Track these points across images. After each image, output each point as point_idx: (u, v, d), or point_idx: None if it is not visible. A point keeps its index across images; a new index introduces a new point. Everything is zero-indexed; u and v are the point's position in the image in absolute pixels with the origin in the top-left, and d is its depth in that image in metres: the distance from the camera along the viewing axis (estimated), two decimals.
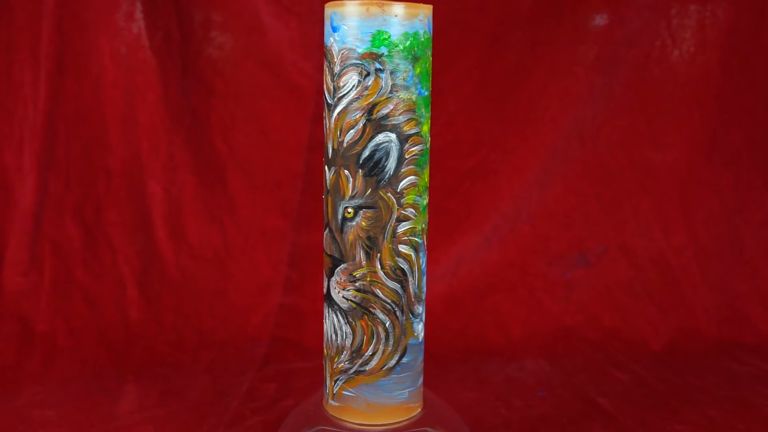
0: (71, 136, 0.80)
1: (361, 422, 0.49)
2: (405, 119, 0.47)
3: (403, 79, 0.46)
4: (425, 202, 0.49)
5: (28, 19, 0.78)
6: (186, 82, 0.81)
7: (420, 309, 0.50)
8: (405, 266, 0.49)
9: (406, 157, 0.47)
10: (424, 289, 0.51)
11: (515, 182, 0.84)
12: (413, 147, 0.47)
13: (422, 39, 0.47)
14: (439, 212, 0.81)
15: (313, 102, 0.80)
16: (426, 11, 0.47)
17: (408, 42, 0.46)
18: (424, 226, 0.49)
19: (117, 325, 0.77)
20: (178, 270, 0.80)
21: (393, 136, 0.47)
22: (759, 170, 0.85)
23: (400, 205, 0.48)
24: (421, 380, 0.51)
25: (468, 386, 0.69)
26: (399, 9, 0.45)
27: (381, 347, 0.49)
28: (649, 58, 0.83)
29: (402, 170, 0.47)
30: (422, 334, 0.51)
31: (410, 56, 0.46)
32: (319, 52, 0.80)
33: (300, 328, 0.79)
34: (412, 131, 0.47)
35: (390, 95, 0.47)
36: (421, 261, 0.50)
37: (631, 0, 0.81)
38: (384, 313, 0.49)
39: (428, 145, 0.49)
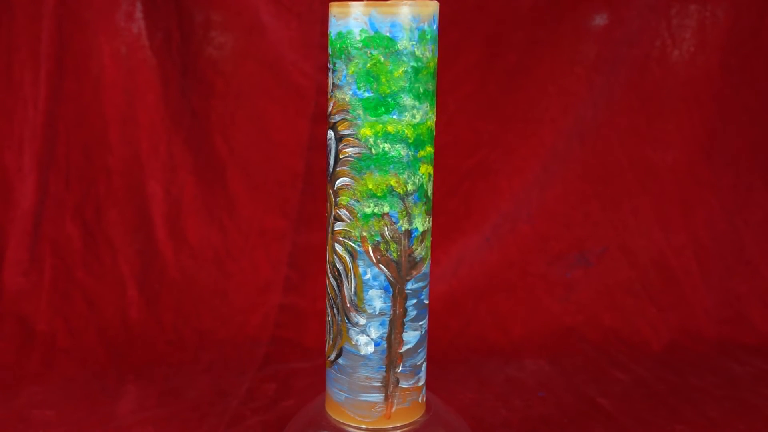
0: (71, 136, 0.80)
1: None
2: (339, 119, 0.47)
3: (338, 78, 0.47)
4: (371, 210, 0.47)
5: (28, 19, 0.78)
6: (186, 82, 0.81)
7: (361, 320, 0.48)
8: (340, 267, 0.48)
9: (341, 157, 0.47)
10: (379, 307, 0.48)
11: (515, 182, 0.84)
12: (347, 148, 0.47)
13: (358, 38, 0.45)
14: (439, 212, 0.81)
15: (313, 102, 0.80)
16: (364, 9, 0.45)
17: (341, 41, 0.46)
18: (367, 234, 0.47)
19: (117, 325, 0.77)
20: (178, 270, 0.80)
21: (332, 133, 0.48)
22: (759, 170, 0.85)
23: (336, 204, 0.48)
24: (370, 398, 0.49)
25: (468, 386, 0.69)
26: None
27: (327, 336, 0.50)
28: (649, 58, 0.83)
29: (336, 169, 0.48)
30: (368, 350, 0.48)
31: (343, 56, 0.46)
32: (320, 52, 0.80)
33: (300, 328, 0.79)
34: (346, 132, 0.47)
35: (331, 94, 0.47)
36: (360, 270, 0.48)
37: (631, 0, 0.81)
38: (328, 304, 0.50)
39: (380, 152, 0.46)
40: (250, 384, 0.68)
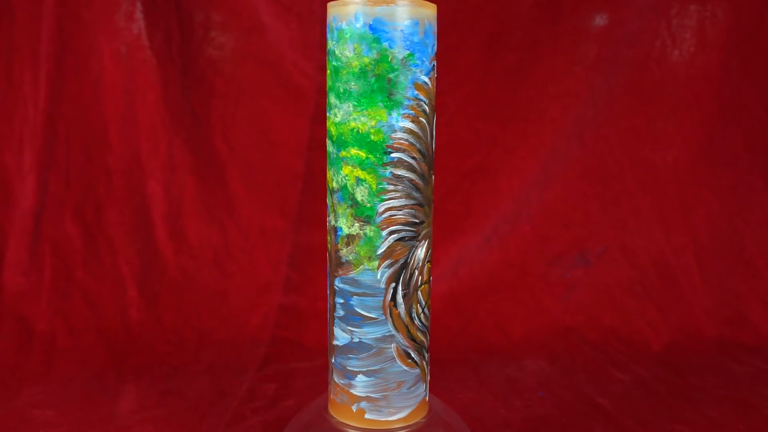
0: (71, 136, 0.80)
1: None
2: None
3: None
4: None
5: (28, 19, 0.78)
6: (186, 82, 0.81)
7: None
8: None
9: None
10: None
11: (515, 182, 0.84)
12: None
13: None
14: (439, 212, 0.81)
15: (313, 102, 0.80)
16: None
17: None
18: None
19: (117, 325, 0.77)
20: (178, 270, 0.80)
21: None
22: (759, 170, 0.85)
23: None
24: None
25: (468, 386, 0.69)
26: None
27: None
28: (649, 58, 0.83)
29: None
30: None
31: None
32: (320, 52, 0.80)
33: (300, 328, 0.79)
34: None
35: None
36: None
37: (631, 0, 0.81)
38: None
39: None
40: (250, 384, 0.68)
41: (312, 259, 0.81)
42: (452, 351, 0.77)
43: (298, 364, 0.73)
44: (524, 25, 0.81)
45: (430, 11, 0.45)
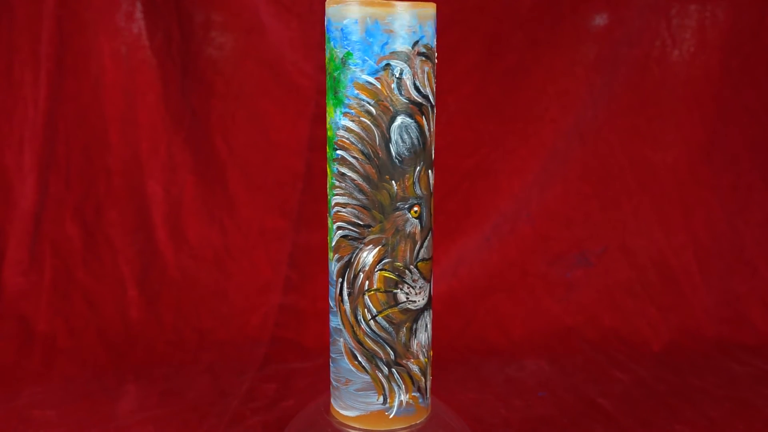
0: (71, 136, 0.80)
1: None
2: None
3: None
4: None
5: (28, 19, 0.78)
6: (186, 82, 0.81)
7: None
8: None
9: None
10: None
11: (515, 182, 0.84)
12: None
13: None
14: (439, 212, 0.81)
15: (313, 102, 0.80)
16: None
17: None
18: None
19: (117, 325, 0.77)
20: (178, 270, 0.80)
21: None
22: (759, 170, 0.85)
23: None
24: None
25: (468, 386, 0.69)
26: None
27: None
28: (649, 58, 0.83)
29: None
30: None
31: None
32: (320, 52, 0.80)
33: (300, 328, 0.79)
34: None
35: None
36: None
37: (631, 0, 0.81)
38: None
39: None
40: (250, 384, 0.68)
41: (312, 259, 0.81)
42: (452, 351, 0.77)
43: (298, 364, 0.73)
44: (524, 25, 0.81)
45: (376, 9, 0.43)
